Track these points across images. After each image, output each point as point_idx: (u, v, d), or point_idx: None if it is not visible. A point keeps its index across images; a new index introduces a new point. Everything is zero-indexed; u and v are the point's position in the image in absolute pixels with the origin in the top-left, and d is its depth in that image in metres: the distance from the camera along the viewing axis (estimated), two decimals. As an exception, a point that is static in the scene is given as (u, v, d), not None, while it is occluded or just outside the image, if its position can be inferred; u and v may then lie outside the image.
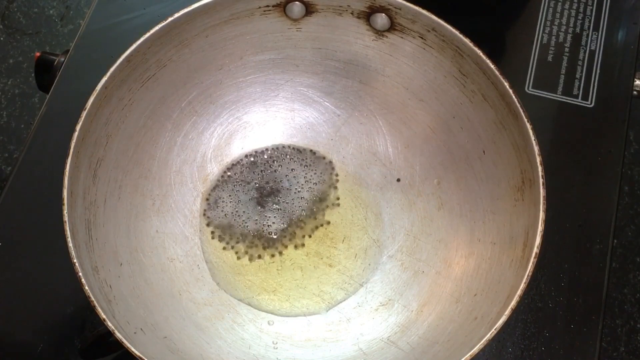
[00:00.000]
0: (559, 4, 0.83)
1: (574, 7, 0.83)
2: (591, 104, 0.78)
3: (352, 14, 0.65)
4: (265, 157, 0.71)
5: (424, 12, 0.62)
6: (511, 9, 0.85)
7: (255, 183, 0.70)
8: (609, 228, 0.72)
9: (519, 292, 0.53)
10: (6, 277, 0.69)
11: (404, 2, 0.63)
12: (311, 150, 0.71)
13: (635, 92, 0.79)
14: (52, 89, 0.79)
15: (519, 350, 0.67)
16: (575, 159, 0.75)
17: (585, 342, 0.67)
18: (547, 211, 0.55)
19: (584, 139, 0.76)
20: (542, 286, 0.69)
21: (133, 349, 0.50)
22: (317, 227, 0.68)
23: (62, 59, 0.80)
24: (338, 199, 0.69)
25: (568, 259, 0.70)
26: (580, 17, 0.82)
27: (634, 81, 0.79)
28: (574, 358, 0.66)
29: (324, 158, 0.71)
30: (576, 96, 0.78)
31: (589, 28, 0.82)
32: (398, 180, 0.69)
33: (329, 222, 0.68)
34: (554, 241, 0.70)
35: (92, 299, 0.51)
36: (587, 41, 0.81)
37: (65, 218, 0.53)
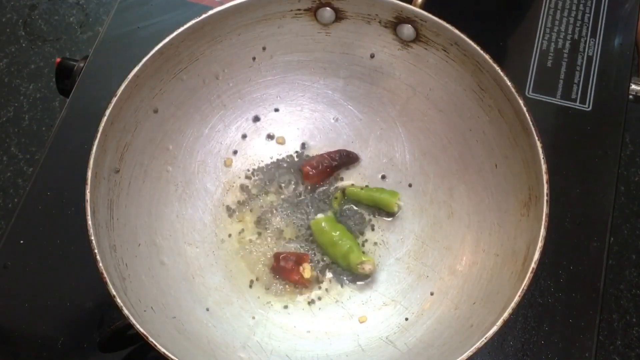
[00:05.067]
0: (558, 11, 0.85)
1: (572, 14, 0.85)
2: (589, 107, 0.80)
3: (379, 22, 0.68)
4: (285, 154, 0.74)
5: (448, 26, 0.64)
6: (512, 16, 0.87)
7: (275, 177, 0.72)
8: (606, 226, 0.73)
9: (512, 304, 0.55)
10: (28, 274, 0.72)
11: (430, 15, 0.65)
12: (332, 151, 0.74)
13: (631, 96, 0.81)
14: (72, 93, 0.81)
15: (519, 343, 0.69)
16: (574, 160, 0.77)
17: (583, 336, 0.69)
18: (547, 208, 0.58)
19: (582, 141, 0.78)
20: (541, 282, 0.71)
21: (138, 326, 0.53)
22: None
23: (82, 65, 0.83)
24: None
25: (567, 256, 0.72)
26: (578, 25, 0.84)
27: (629, 86, 0.81)
28: (573, 351, 0.68)
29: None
30: (574, 100, 0.80)
31: (586, 35, 0.84)
32: (410, 185, 0.71)
33: (341, 221, 0.71)
34: (554, 239, 0.71)
35: (105, 275, 0.54)
36: (585, 47, 0.83)
37: (87, 197, 0.57)
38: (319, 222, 0.69)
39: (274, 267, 0.68)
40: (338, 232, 0.68)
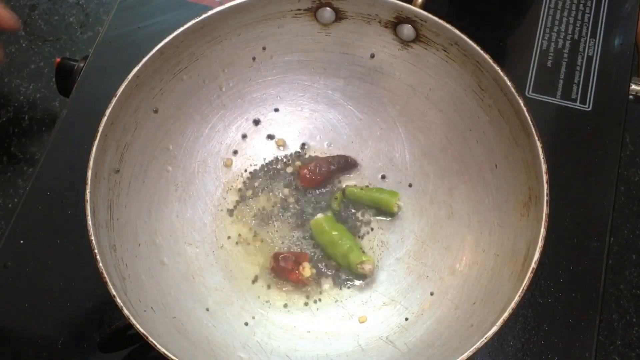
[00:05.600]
0: (558, 11, 0.85)
1: (572, 14, 0.85)
2: (589, 107, 0.80)
3: (379, 22, 0.68)
4: (286, 154, 0.74)
5: (448, 26, 0.64)
6: (513, 17, 0.87)
7: (276, 177, 0.72)
8: (606, 226, 0.73)
9: (512, 304, 0.55)
10: (28, 274, 0.72)
11: (430, 15, 0.65)
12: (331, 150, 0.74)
13: (631, 96, 0.81)
14: (72, 93, 0.81)
15: (519, 343, 0.69)
16: (574, 160, 0.77)
17: (583, 336, 0.69)
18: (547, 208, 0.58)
19: (582, 141, 0.79)
20: (542, 282, 0.71)
21: (138, 326, 0.53)
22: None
23: (82, 65, 0.83)
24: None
25: (567, 256, 0.72)
26: (578, 25, 0.84)
27: (629, 86, 0.81)
28: (572, 351, 0.68)
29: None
30: (574, 100, 0.80)
31: (586, 35, 0.84)
32: (410, 185, 0.71)
33: (341, 221, 0.71)
34: (554, 239, 0.71)
35: (105, 275, 0.54)
36: (585, 47, 0.83)
37: (87, 197, 0.57)
38: (318, 222, 0.69)
39: (273, 267, 0.68)
40: (338, 232, 0.68)
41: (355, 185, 0.72)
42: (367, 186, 0.72)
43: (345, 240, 0.68)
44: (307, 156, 0.74)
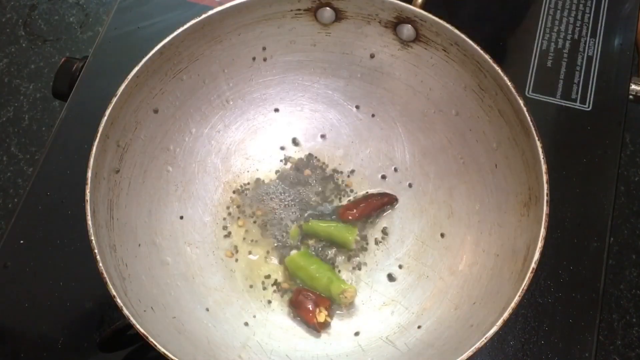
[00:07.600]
0: (558, 11, 0.85)
1: (572, 14, 0.85)
2: (589, 107, 0.80)
3: (379, 22, 0.68)
4: (286, 154, 0.74)
5: (448, 26, 0.64)
6: (512, 16, 0.87)
7: (275, 178, 0.73)
8: (606, 226, 0.73)
9: (512, 304, 0.55)
10: (28, 274, 0.72)
11: (430, 15, 0.65)
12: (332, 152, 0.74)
13: (631, 96, 0.81)
14: (71, 93, 0.81)
15: (519, 343, 0.69)
16: (574, 160, 0.77)
17: (583, 336, 0.69)
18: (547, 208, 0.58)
19: (582, 141, 0.78)
20: (542, 282, 0.71)
21: (138, 326, 0.53)
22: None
23: (82, 65, 0.83)
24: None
25: (567, 256, 0.72)
26: (578, 25, 0.84)
27: (629, 86, 0.81)
28: (572, 351, 0.68)
29: (343, 159, 0.73)
30: (574, 100, 0.80)
31: (586, 35, 0.84)
32: (410, 185, 0.71)
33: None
34: (554, 239, 0.71)
35: (105, 275, 0.54)
36: (585, 47, 0.83)
37: (87, 197, 0.57)
38: (293, 260, 0.68)
39: (292, 300, 0.67)
40: (314, 266, 0.68)
41: (311, 220, 0.71)
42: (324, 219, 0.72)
43: (323, 272, 0.67)
44: (304, 156, 0.74)
